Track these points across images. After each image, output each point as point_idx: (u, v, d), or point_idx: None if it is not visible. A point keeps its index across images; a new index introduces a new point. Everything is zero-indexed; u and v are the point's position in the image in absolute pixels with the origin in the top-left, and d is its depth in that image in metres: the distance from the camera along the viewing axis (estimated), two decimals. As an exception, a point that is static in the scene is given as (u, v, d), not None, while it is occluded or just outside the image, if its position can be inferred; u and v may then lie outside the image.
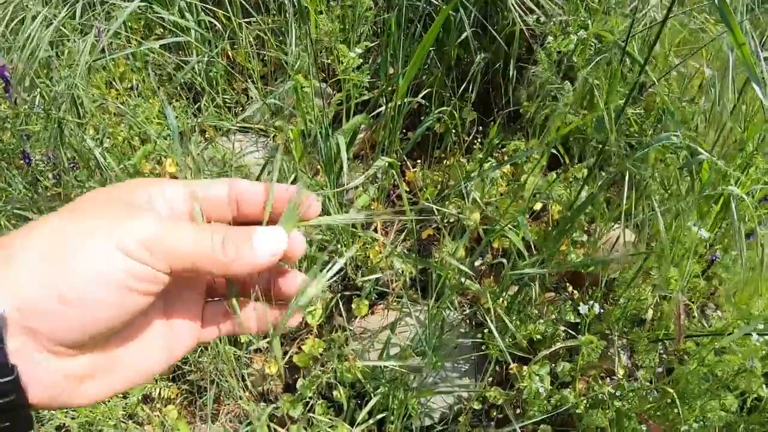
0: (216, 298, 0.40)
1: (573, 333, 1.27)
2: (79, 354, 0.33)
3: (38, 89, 1.27)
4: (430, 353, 1.11)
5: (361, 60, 1.17)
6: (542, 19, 1.29)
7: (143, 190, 0.35)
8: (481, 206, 1.21)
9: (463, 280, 1.22)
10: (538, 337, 1.13)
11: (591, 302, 1.08)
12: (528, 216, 1.39)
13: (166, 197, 0.35)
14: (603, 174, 1.29)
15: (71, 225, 0.32)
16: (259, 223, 0.37)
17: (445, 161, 1.43)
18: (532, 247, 1.13)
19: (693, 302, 1.31)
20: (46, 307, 0.30)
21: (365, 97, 1.38)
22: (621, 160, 1.06)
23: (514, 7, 1.11)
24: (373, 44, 1.27)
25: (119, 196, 0.34)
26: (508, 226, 1.05)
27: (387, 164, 1.25)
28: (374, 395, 1.20)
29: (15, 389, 0.30)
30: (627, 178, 1.00)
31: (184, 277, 0.36)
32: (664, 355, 1.29)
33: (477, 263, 1.41)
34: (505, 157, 1.37)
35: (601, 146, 1.17)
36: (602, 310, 1.10)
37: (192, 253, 0.33)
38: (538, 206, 1.43)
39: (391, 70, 1.44)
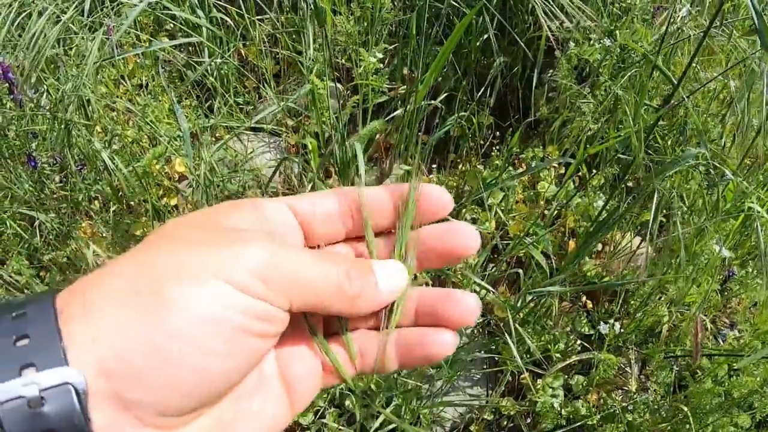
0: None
1: (587, 345, 1.27)
2: (191, 421, 0.26)
3: (45, 88, 1.23)
4: (446, 367, 1.10)
5: (381, 64, 1.14)
6: (566, 24, 1.26)
7: (241, 213, 0.29)
8: (501, 217, 1.19)
9: (481, 291, 1.20)
10: (558, 355, 1.12)
11: (611, 321, 1.07)
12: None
13: (270, 219, 0.30)
14: (622, 186, 1.27)
15: (162, 259, 0.25)
16: (379, 232, 0.33)
17: (460, 166, 1.41)
18: (553, 258, 1.11)
19: (706, 316, 1.31)
20: (139, 367, 0.23)
21: (382, 100, 1.34)
22: (647, 176, 1.04)
23: (540, 12, 1.08)
24: (391, 46, 1.24)
25: (216, 220, 0.28)
26: (528, 239, 1.04)
27: (405, 171, 1.22)
28: (387, 406, 1.19)
29: None
30: (653, 193, 0.98)
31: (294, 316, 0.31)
32: (676, 368, 1.29)
33: (492, 273, 1.40)
34: (523, 165, 1.35)
35: (627, 159, 1.15)
36: (622, 330, 1.09)
37: (315, 285, 0.27)
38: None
39: (405, 70, 1.40)
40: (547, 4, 1.06)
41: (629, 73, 1.08)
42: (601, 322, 1.07)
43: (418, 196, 0.32)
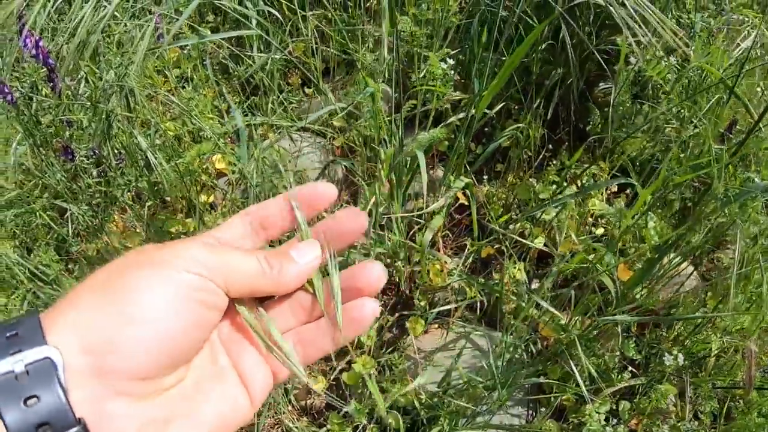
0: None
1: (635, 371, 1.24)
2: (155, 394, 0.31)
3: (84, 76, 1.16)
4: (501, 391, 1.07)
5: (450, 71, 1.09)
6: (638, 38, 1.21)
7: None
8: (554, 227, 1.15)
9: (533, 310, 1.17)
10: (619, 385, 1.09)
11: (676, 352, 1.05)
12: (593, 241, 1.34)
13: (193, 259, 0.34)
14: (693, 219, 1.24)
15: (125, 260, 0.32)
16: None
17: (508, 177, 1.36)
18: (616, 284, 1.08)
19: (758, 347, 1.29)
20: (114, 333, 0.29)
21: (438, 106, 1.29)
22: (721, 206, 1.01)
23: (621, 22, 1.04)
24: (454, 51, 1.18)
25: (159, 248, 0.34)
26: (600, 267, 1.00)
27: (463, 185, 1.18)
28: (431, 425, 1.16)
29: None
30: (733, 230, 0.95)
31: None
32: (720, 401, 1.27)
33: (534, 286, 1.37)
34: (577, 182, 1.31)
35: (701, 188, 1.12)
36: (685, 361, 1.07)
37: (243, 270, 0.34)
38: (599, 231, 1.38)
39: (457, 76, 1.35)
40: (629, 15, 1.02)
41: (705, 99, 1.04)
42: (666, 353, 1.04)
43: (335, 221, 0.38)
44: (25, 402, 0.27)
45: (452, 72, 1.07)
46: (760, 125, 1.05)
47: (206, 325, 0.32)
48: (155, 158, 1.13)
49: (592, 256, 1.11)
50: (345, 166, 1.29)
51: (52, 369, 0.27)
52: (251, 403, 0.35)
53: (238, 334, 0.36)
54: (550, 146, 1.36)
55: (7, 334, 0.29)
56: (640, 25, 1.03)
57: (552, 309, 0.96)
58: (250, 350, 0.36)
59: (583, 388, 0.99)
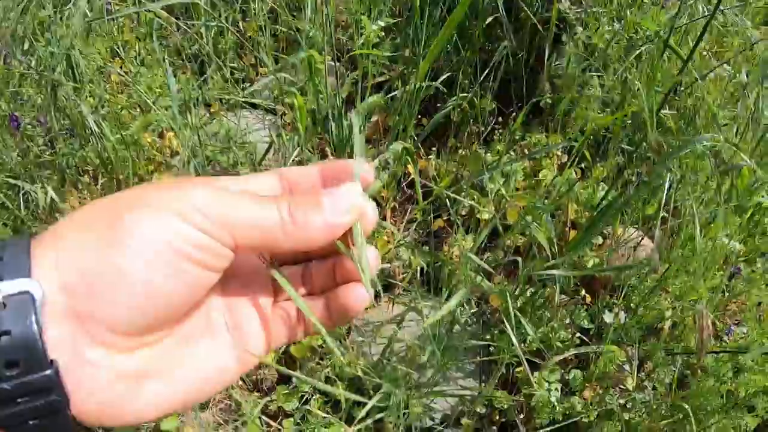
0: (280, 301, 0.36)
1: (586, 340, 1.22)
2: (135, 348, 0.28)
3: (37, 52, 1.19)
4: (439, 354, 1.05)
5: (381, 35, 1.10)
6: (574, 7, 1.22)
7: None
8: (505, 197, 1.14)
9: (477, 277, 1.15)
10: (558, 344, 1.07)
11: (616, 310, 1.03)
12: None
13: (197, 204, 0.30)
14: (627, 175, 1.23)
15: (122, 195, 0.29)
16: None
17: (460, 151, 1.36)
18: (554, 247, 1.06)
19: (710, 314, 1.26)
20: (98, 281, 0.26)
21: (381, 79, 1.30)
22: (655, 161, 1.00)
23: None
24: (393, 21, 1.20)
25: (163, 186, 0.30)
26: (533, 223, 0.99)
27: (402, 150, 1.17)
28: (375, 393, 1.14)
29: (54, 387, 0.25)
30: (657, 188, 0.94)
31: (248, 274, 0.34)
32: (674, 368, 1.24)
33: (488, 260, 1.35)
34: (525, 151, 1.31)
35: (630, 145, 1.11)
36: (627, 319, 1.05)
37: (258, 222, 0.29)
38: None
39: (409, 53, 1.37)
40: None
41: (638, 51, 1.04)
42: (606, 311, 1.02)
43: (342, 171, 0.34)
44: None
45: (385, 35, 1.07)
46: (697, 77, 1.05)
47: (201, 287, 0.29)
48: (98, 128, 1.15)
49: (530, 217, 1.10)
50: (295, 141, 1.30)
51: (30, 304, 0.25)
52: (240, 366, 0.33)
53: (244, 292, 0.34)
54: (500, 119, 1.37)
55: None
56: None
57: (485, 265, 0.94)
58: (252, 312, 0.34)
59: (519, 351, 0.97)
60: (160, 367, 0.29)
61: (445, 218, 1.32)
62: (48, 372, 0.25)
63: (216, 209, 0.28)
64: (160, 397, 0.29)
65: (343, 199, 0.31)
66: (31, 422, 0.25)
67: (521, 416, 1.22)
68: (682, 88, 1.17)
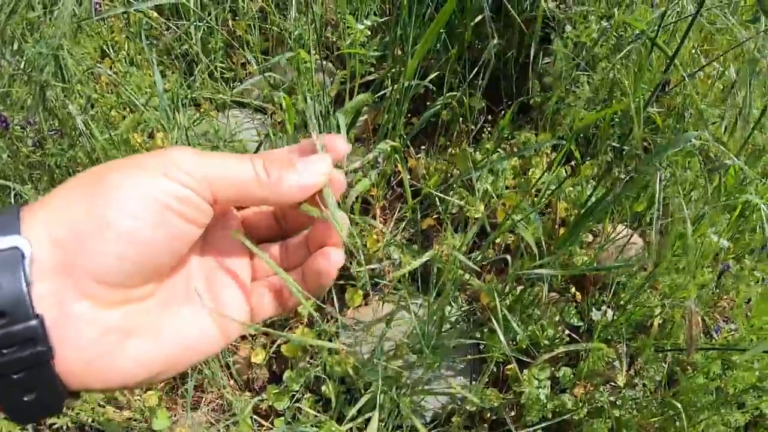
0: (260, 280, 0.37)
1: (575, 337, 1.22)
2: (120, 304, 0.30)
3: (26, 53, 1.18)
4: (428, 352, 1.05)
5: (369, 34, 1.10)
6: (562, 6, 1.22)
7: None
8: (492, 196, 1.14)
9: (465, 275, 1.15)
10: (545, 342, 1.07)
11: (604, 308, 1.03)
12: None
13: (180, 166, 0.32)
14: (616, 172, 1.23)
15: (110, 164, 0.30)
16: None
17: (449, 150, 1.36)
18: (543, 245, 1.06)
19: (700, 310, 1.26)
20: (86, 231, 0.27)
21: (370, 78, 1.30)
22: (643, 159, 1.00)
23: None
24: (382, 20, 1.20)
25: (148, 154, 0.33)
26: (520, 221, 0.99)
27: (390, 148, 1.18)
28: (365, 392, 1.14)
29: (39, 338, 0.26)
30: (647, 186, 0.94)
31: (228, 250, 0.35)
32: (664, 365, 1.24)
33: (477, 259, 1.35)
34: (514, 149, 1.31)
35: (619, 143, 1.11)
36: (615, 317, 1.05)
37: (235, 177, 0.31)
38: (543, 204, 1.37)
39: (398, 51, 1.37)
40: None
41: (626, 50, 1.04)
42: (593, 309, 1.02)
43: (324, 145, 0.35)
44: None
45: (372, 34, 1.07)
46: (684, 75, 1.05)
47: (184, 241, 0.31)
48: (86, 129, 1.15)
49: (519, 216, 1.10)
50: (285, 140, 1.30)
51: (19, 259, 0.26)
52: (222, 336, 0.34)
53: (223, 265, 0.35)
54: (490, 117, 1.37)
55: None
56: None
57: (472, 264, 0.95)
58: (230, 284, 0.35)
59: (507, 349, 0.97)
60: (145, 326, 0.30)
61: (435, 217, 1.32)
62: (33, 322, 0.26)
63: (197, 166, 0.30)
64: (144, 355, 0.30)
65: (314, 164, 0.33)
66: (15, 376, 0.26)
67: (512, 414, 1.22)
68: (671, 86, 1.17)
